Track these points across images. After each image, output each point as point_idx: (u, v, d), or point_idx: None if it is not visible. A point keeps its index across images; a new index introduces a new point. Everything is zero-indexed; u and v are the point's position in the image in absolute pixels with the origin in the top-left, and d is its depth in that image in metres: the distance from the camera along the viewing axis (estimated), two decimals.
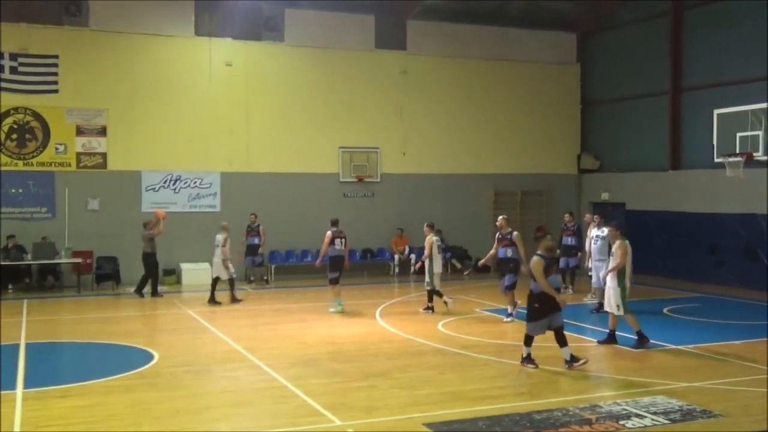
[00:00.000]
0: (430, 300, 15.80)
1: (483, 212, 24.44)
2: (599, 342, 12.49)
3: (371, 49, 23.43)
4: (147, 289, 18.44)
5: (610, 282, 12.38)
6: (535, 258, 10.69)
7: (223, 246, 17.10)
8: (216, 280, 17.43)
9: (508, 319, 14.66)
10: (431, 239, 15.71)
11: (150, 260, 18.42)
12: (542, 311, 10.65)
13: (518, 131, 25.05)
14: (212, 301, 17.15)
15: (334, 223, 16.32)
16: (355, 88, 23.21)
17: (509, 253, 14.64)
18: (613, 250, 12.59)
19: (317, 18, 22.78)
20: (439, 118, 24.13)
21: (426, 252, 15.72)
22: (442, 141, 24.16)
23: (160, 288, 18.95)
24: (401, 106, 23.69)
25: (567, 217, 18.49)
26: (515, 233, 14.73)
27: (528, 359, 10.80)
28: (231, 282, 17.45)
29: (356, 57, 23.25)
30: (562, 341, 10.72)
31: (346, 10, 22.91)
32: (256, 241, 20.83)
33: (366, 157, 23.29)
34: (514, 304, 14.72)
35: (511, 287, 14.76)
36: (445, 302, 15.73)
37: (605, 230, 15.30)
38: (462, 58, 24.40)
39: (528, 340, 10.84)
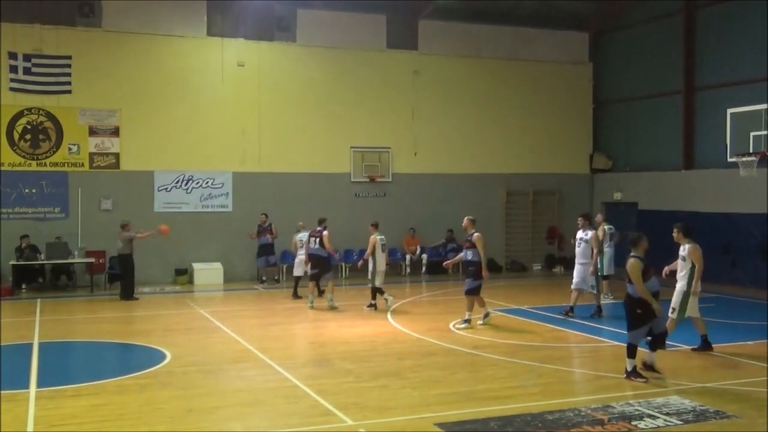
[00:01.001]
0: (373, 297, 16.18)
1: (495, 212, 24.41)
2: (693, 350, 11.83)
3: (383, 49, 23.43)
4: (134, 290, 18.27)
5: (680, 287, 11.74)
6: (632, 260, 9.96)
7: (307, 245, 17.09)
8: (299, 278, 18.10)
9: (462, 326, 13.91)
10: (375, 238, 16.13)
11: (128, 262, 18.07)
12: (645, 317, 9.88)
13: (530, 131, 24.99)
14: (295, 296, 17.90)
15: (320, 221, 16.77)
16: (366, 88, 23.22)
17: (469, 255, 14.09)
18: (684, 253, 11.73)
19: (329, 18, 22.81)
20: (451, 117, 24.10)
21: (368, 251, 16.19)
22: (453, 141, 24.13)
23: (172, 288, 18.99)
24: (413, 105, 23.68)
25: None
26: (476, 235, 14.05)
27: (635, 373, 9.91)
28: (297, 280, 18.29)
29: (368, 57, 23.26)
30: (656, 346, 10.17)
31: (358, 10, 22.93)
32: (269, 240, 20.88)
33: (378, 157, 23.29)
34: (470, 310, 14.08)
35: (471, 292, 14.08)
36: (386, 299, 16.17)
37: (589, 233, 15.09)
38: (474, 57, 24.37)
39: (632, 351, 9.94)
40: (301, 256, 17.79)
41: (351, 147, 23.00)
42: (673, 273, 12.09)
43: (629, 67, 24.66)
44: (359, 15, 23.05)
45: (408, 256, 22.95)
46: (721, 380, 10.03)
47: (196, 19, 21.56)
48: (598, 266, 17.27)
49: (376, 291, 16.24)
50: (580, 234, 15.40)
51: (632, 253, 10.10)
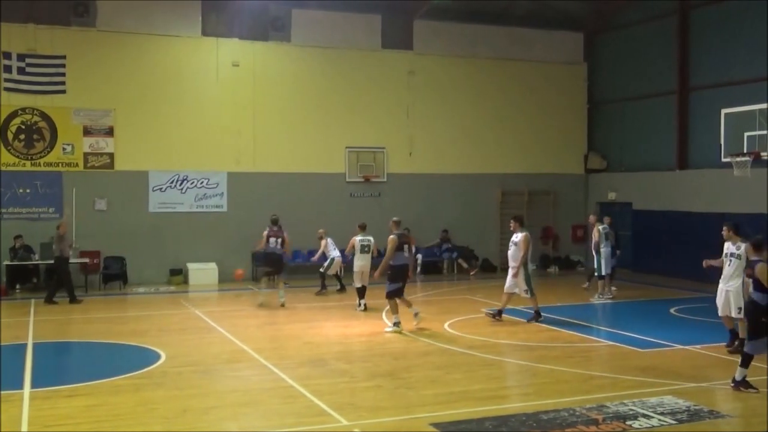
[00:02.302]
0: (361, 297, 16.31)
1: (490, 212, 24.43)
2: (729, 349, 11.75)
3: (378, 49, 23.43)
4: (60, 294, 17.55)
5: (733, 285, 11.55)
6: (761, 265, 9.27)
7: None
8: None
9: (390, 329, 13.63)
10: (355, 239, 16.57)
11: (63, 264, 17.53)
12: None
13: (525, 131, 25.02)
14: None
15: (273, 221, 17.00)
16: (361, 88, 23.23)
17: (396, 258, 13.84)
18: (740, 252, 11.40)
19: (324, 18, 22.80)
20: (446, 118, 24.12)
21: (347, 250, 16.83)
22: (448, 141, 24.14)
23: (166, 288, 18.95)
24: (408, 105, 23.69)
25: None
26: (394, 236, 13.79)
27: (744, 383, 9.38)
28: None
29: (363, 57, 23.26)
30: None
31: (353, 10, 22.93)
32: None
33: (372, 157, 23.29)
34: (396, 313, 13.74)
35: (389, 295, 13.78)
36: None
37: (519, 236, 14.68)
38: (469, 57, 24.38)
39: (746, 361, 9.36)
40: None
41: (346, 147, 23.00)
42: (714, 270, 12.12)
43: (624, 68, 24.71)
44: (354, 15, 23.05)
45: None
46: (716, 380, 10.06)
47: (191, 19, 21.54)
48: (594, 266, 17.28)
49: (360, 291, 16.27)
50: (513, 237, 14.92)
51: (756, 257, 9.50)
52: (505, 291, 14.84)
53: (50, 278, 19.80)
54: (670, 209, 22.39)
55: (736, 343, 11.59)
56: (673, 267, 21.45)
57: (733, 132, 17.46)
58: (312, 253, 22.14)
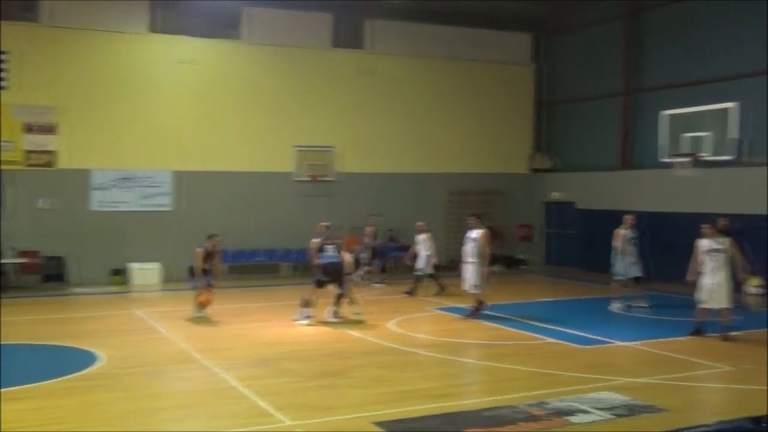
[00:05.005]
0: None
1: (437, 211, 24.58)
2: (690, 334, 12.84)
3: (329, 48, 23.41)
4: None
5: (723, 278, 12.59)
6: None
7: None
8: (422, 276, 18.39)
9: (301, 321, 14.30)
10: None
11: None
12: None
13: (474, 131, 25.24)
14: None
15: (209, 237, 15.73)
16: (311, 87, 23.17)
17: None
18: (723, 247, 12.66)
19: (275, 16, 22.69)
20: (396, 117, 24.20)
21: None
22: (398, 140, 24.24)
23: (108, 288, 18.65)
24: (358, 105, 23.72)
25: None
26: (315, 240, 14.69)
27: None
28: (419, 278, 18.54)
29: (314, 56, 23.21)
30: None
31: (304, 9, 22.85)
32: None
33: (321, 156, 23.26)
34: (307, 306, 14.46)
35: (315, 284, 14.56)
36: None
37: (478, 232, 15.01)
38: (420, 57, 24.51)
39: None
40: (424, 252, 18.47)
41: (295, 146, 22.92)
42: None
43: (571, 69, 25.13)
44: (305, 14, 22.98)
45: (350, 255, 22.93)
46: (652, 375, 10.33)
47: (139, 15, 21.24)
48: (614, 269, 16.77)
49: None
50: (469, 233, 15.21)
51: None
52: (468, 290, 15.18)
53: None
54: (613, 208, 22.81)
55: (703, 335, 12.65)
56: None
57: (674, 133, 17.93)
58: (258, 252, 22.12)
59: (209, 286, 15.14)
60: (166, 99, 21.54)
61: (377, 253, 21.13)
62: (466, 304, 15.92)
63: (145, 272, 20.69)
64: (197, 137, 21.85)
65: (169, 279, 20.87)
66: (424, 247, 18.64)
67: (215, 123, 22.08)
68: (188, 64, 21.72)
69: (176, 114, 21.64)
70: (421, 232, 18.88)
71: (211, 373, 10.61)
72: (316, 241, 14.83)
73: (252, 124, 22.48)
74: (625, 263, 16.39)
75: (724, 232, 14.97)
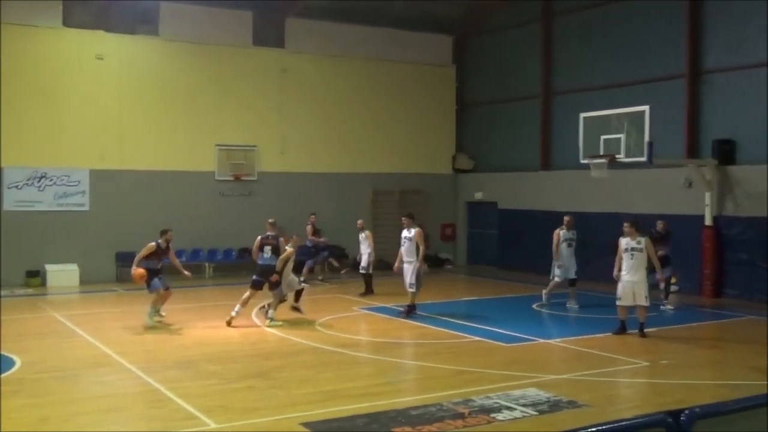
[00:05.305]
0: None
1: (362, 211, 24.55)
2: (614, 333, 13.06)
3: (249, 46, 23.14)
4: None
5: (641, 276, 12.92)
6: None
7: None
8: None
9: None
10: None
11: None
12: None
13: (397, 131, 25.36)
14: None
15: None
16: (232, 85, 22.86)
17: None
18: (641, 246, 12.96)
19: (194, 12, 22.28)
20: (319, 116, 24.12)
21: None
22: (321, 140, 24.16)
23: (23, 291, 17.99)
24: (280, 104, 23.53)
25: (660, 223, 16.25)
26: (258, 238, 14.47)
27: None
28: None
29: (234, 53, 22.90)
30: None
31: (224, 6, 22.52)
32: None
33: (243, 155, 22.98)
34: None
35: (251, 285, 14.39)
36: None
37: (413, 231, 15.18)
38: (341, 57, 24.48)
39: None
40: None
41: (216, 145, 22.57)
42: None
43: (492, 71, 25.50)
44: (225, 11, 22.65)
45: None
46: (574, 371, 10.57)
47: (51, 8, 20.53)
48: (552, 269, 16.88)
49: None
50: (404, 233, 15.38)
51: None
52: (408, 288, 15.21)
53: None
54: (533, 208, 23.30)
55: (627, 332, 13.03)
56: (536, 264, 22.26)
57: (591, 135, 18.36)
58: (179, 252, 21.67)
59: (167, 288, 14.49)
60: (82, 95, 20.90)
61: (313, 252, 20.93)
62: (393, 304, 16.01)
63: (62, 273, 20.03)
64: (116, 135, 21.28)
65: (87, 280, 20.26)
66: (365, 245, 18.59)
67: (134, 121, 21.56)
68: (105, 60, 21.13)
69: (94, 111, 21.02)
70: (362, 230, 18.83)
71: (132, 376, 10.35)
72: (258, 239, 14.49)
73: (172, 123, 22.03)
74: (562, 264, 16.47)
75: (663, 234, 15.71)
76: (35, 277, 19.97)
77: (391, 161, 25.22)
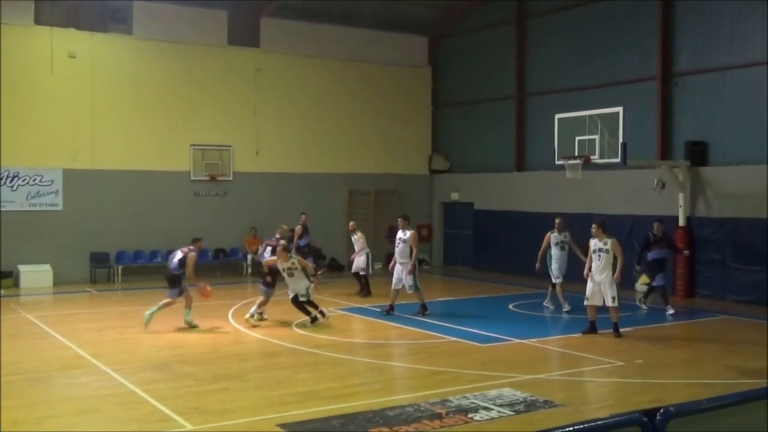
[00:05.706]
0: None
1: (337, 212, 24.58)
2: (583, 333, 13.12)
3: (224, 45, 23.02)
4: None
5: (607, 277, 12.89)
6: None
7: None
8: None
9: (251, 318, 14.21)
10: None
11: None
12: None
13: (372, 131, 25.36)
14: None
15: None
16: (206, 85, 22.73)
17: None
18: (607, 247, 12.94)
19: (168, 11, 22.12)
20: (294, 116, 24.05)
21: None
22: (296, 140, 24.09)
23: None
24: (254, 104, 23.42)
25: (656, 225, 16.17)
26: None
27: None
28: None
29: (208, 53, 22.77)
30: None
31: (198, 5, 22.37)
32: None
33: (218, 155, 22.86)
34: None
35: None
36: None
37: (408, 233, 15.35)
38: (317, 57, 24.42)
39: None
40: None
41: (191, 144, 22.43)
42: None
43: (467, 72, 25.57)
44: (199, 9, 22.50)
45: (249, 256, 22.65)
46: (550, 371, 10.64)
47: (22, 5, 20.27)
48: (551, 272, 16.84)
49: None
50: (400, 234, 15.57)
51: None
52: (392, 288, 15.36)
53: None
54: (508, 209, 23.40)
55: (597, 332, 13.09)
56: (512, 264, 22.41)
57: (565, 136, 18.47)
58: (155, 253, 21.55)
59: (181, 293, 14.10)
60: (54, 94, 20.66)
61: (306, 252, 20.81)
62: (371, 305, 16.02)
63: (35, 274, 19.80)
64: (89, 134, 21.07)
65: (60, 281, 20.04)
66: (359, 246, 18.52)
67: (108, 120, 21.35)
68: (78, 58, 20.91)
69: (67, 110, 20.79)
70: (354, 231, 18.76)
71: (106, 378, 10.25)
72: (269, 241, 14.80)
73: (147, 122, 21.86)
74: (555, 265, 16.27)
75: (660, 237, 15.74)
76: (8, 278, 19.71)
77: (366, 162, 25.21)
